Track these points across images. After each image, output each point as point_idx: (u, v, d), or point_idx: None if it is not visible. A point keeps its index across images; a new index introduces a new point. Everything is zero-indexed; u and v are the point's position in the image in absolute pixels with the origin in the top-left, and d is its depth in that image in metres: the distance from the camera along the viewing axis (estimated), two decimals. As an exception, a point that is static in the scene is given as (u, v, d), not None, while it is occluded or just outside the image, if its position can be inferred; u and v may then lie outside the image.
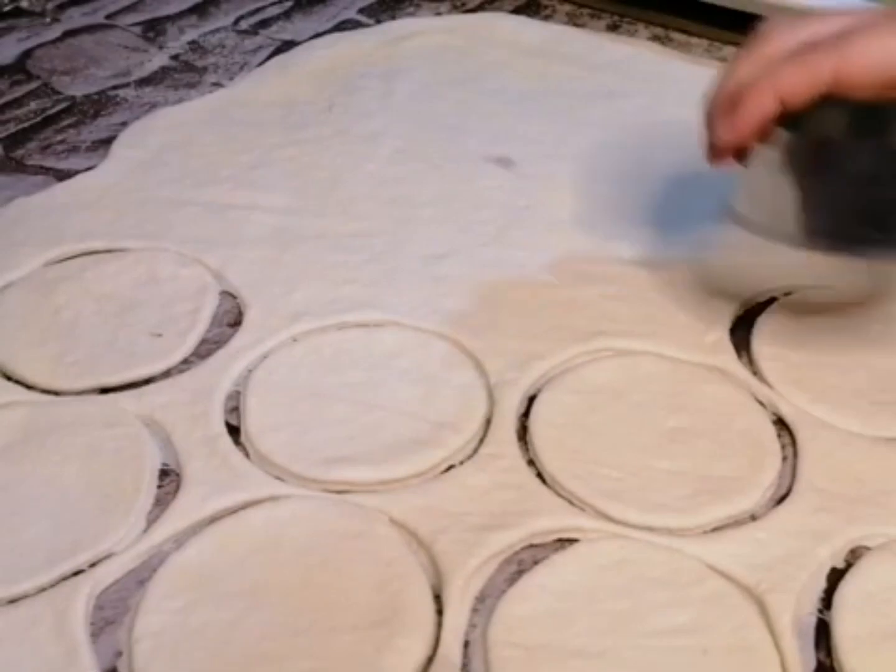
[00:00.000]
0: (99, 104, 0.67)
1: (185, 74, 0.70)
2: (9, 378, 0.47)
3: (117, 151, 0.62)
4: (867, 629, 0.38)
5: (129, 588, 0.39)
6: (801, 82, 0.43)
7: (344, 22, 0.77)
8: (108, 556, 0.40)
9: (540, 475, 0.44)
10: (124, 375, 0.47)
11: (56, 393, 0.46)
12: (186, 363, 0.48)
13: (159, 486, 0.43)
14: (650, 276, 0.53)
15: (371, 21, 0.78)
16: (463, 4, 0.80)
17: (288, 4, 0.79)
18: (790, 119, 0.43)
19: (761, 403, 0.47)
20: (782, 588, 0.39)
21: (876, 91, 0.42)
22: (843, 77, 0.42)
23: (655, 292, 0.52)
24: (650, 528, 0.41)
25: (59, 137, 0.63)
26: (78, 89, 0.68)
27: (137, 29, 0.76)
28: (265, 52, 0.73)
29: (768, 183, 0.46)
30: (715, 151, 0.46)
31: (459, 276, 0.53)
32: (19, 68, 0.70)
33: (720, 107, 0.44)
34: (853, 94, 0.42)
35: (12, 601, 0.38)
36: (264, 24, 0.77)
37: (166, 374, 0.48)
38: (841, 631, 0.38)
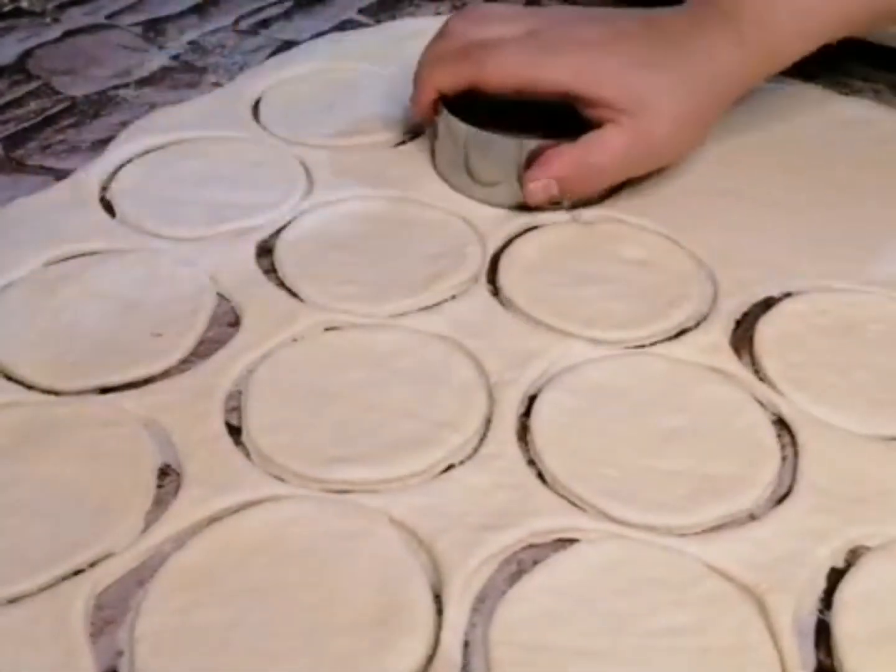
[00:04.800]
0: (99, 104, 0.67)
1: (185, 74, 0.70)
2: (9, 378, 0.47)
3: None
4: (867, 629, 0.38)
5: (129, 588, 0.39)
6: (448, 81, 0.56)
7: (344, 22, 0.77)
8: (108, 556, 0.40)
9: (540, 475, 0.44)
10: (124, 375, 0.47)
11: (56, 393, 0.46)
12: (186, 363, 0.48)
13: (159, 486, 0.43)
14: (650, 276, 0.53)
15: (371, 21, 0.78)
16: (463, 4, 0.80)
17: (288, 4, 0.79)
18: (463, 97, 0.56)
19: (761, 403, 0.47)
20: (782, 588, 0.39)
21: (510, 93, 0.55)
22: (479, 83, 0.55)
23: (656, 292, 0.52)
24: (650, 528, 0.41)
25: (59, 137, 0.63)
26: (78, 89, 0.68)
27: (137, 29, 0.76)
28: (265, 52, 0.73)
29: (439, 144, 0.59)
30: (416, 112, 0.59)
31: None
32: (19, 68, 0.70)
33: (413, 82, 0.58)
34: (493, 93, 0.55)
35: (12, 601, 0.38)
36: (264, 24, 0.77)
37: (166, 374, 0.48)
38: (841, 631, 0.38)
